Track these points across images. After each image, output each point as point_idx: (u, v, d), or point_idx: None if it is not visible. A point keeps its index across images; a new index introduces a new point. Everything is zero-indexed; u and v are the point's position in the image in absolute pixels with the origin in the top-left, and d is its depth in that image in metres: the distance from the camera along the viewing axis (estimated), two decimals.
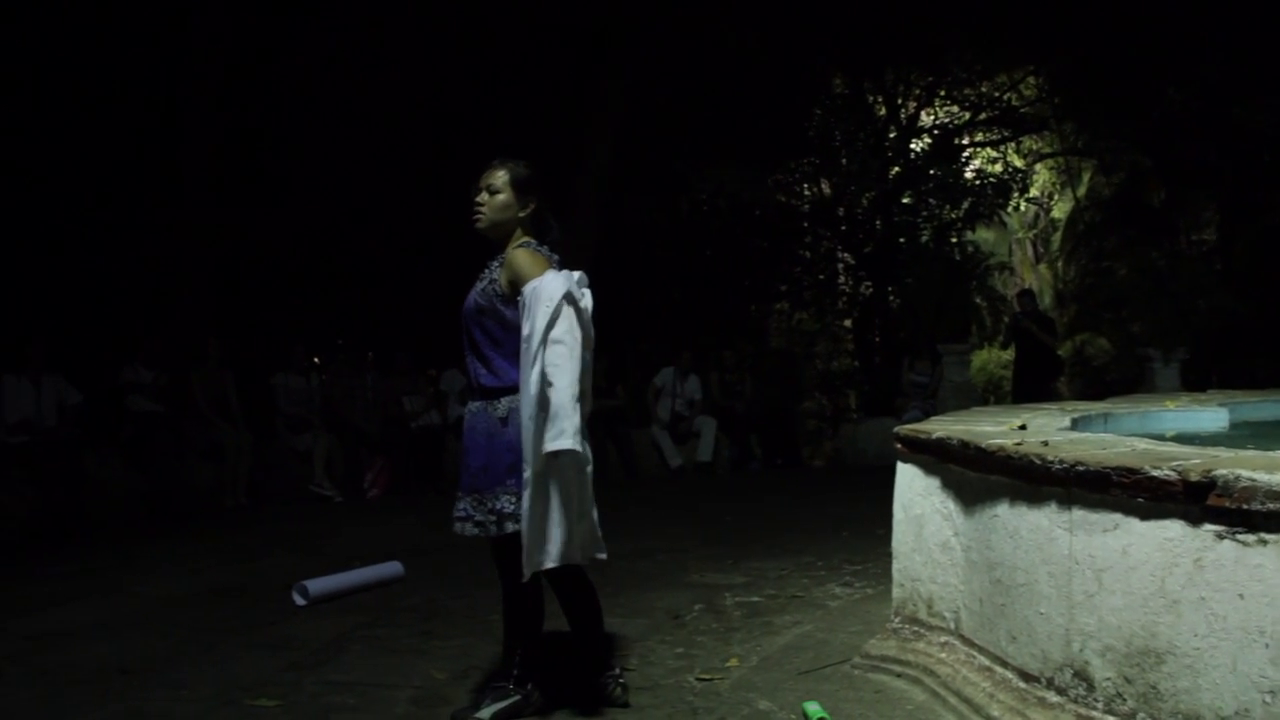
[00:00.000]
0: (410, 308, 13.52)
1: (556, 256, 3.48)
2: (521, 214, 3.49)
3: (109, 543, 7.52)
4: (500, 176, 3.48)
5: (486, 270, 3.50)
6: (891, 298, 16.17)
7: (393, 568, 5.83)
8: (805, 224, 16.85)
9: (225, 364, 9.77)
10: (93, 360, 9.68)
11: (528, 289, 3.23)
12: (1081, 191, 20.40)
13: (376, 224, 13.37)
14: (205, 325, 10.57)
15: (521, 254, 3.38)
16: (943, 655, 3.53)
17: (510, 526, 3.33)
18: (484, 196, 3.48)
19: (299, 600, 5.26)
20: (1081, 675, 2.81)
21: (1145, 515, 2.62)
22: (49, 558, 6.94)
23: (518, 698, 3.41)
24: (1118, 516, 2.69)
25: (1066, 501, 2.85)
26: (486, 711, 3.35)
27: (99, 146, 10.96)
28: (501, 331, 3.40)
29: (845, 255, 17.24)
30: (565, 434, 3.09)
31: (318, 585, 5.33)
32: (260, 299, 12.62)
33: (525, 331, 3.21)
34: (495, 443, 3.38)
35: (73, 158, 10.79)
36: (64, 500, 8.12)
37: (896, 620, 3.91)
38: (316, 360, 11.30)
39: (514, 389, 3.30)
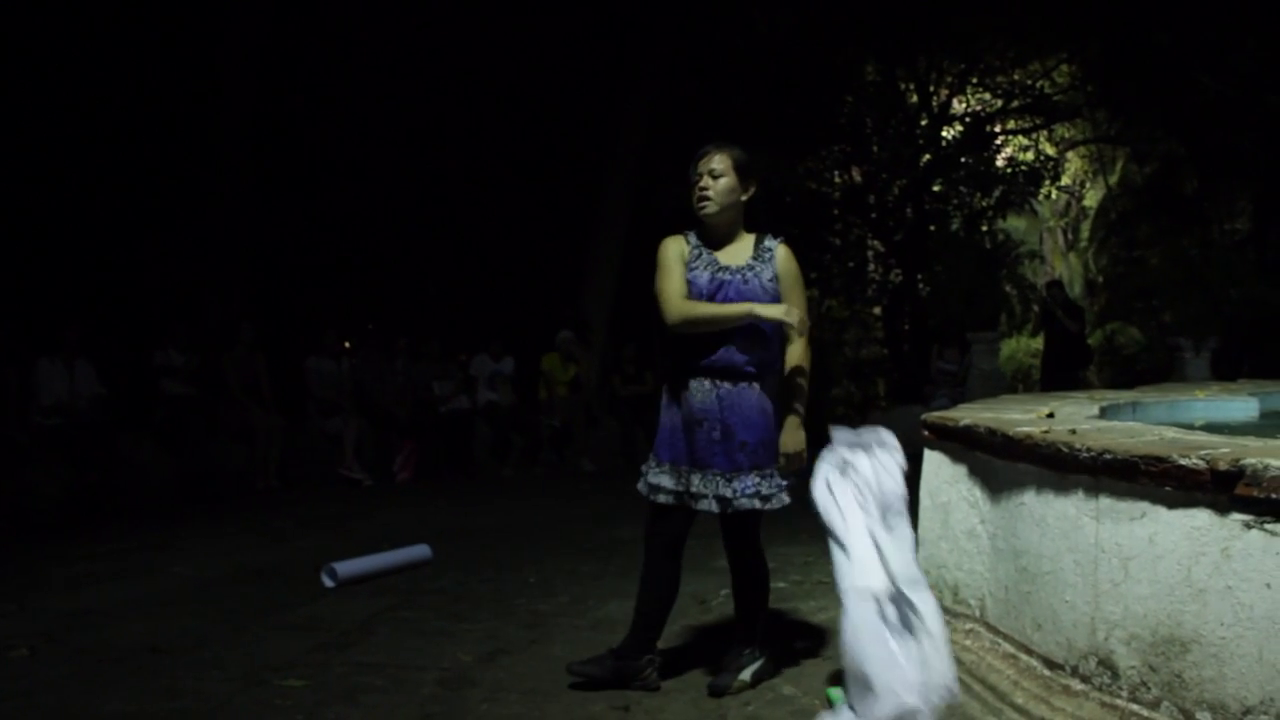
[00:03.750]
0: (441, 293, 13.61)
1: None
2: (744, 197, 3.54)
3: (142, 524, 7.61)
4: (722, 160, 3.50)
5: (757, 260, 3.52)
6: (921, 285, 16.10)
7: (421, 551, 5.88)
8: (835, 211, 16.79)
9: (257, 348, 9.85)
10: (127, 344, 9.79)
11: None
12: (1114, 180, 20.23)
13: (407, 210, 13.44)
14: (238, 310, 10.67)
15: (792, 259, 3.54)
16: (967, 642, 3.54)
17: (786, 499, 3.52)
18: (707, 181, 3.50)
19: (328, 582, 5.32)
20: (1106, 664, 2.81)
21: (1172, 504, 2.62)
22: (83, 538, 7.03)
23: (764, 659, 3.62)
24: (1145, 505, 2.69)
25: (1094, 490, 2.85)
26: (747, 674, 3.54)
27: (135, 135, 11.07)
28: (769, 323, 3.44)
29: (875, 243, 17.18)
30: None
31: (347, 567, 5.38)
32: (292, 284, 12.71)
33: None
34: (770, 420, 3.49)
35: (110, 147, 10.89)
36: (98, 482, 8.22)
37: None
38: (347, 344, 11.37)
39: (776, 370, 3.51)
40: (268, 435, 9.47)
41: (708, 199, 3.50)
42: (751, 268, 3.51)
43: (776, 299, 3.48)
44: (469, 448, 10.58)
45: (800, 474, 3.39)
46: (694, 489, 3.49)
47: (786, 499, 3.53)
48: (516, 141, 12.74)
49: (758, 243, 3.55)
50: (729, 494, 3.45)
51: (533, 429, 10.82)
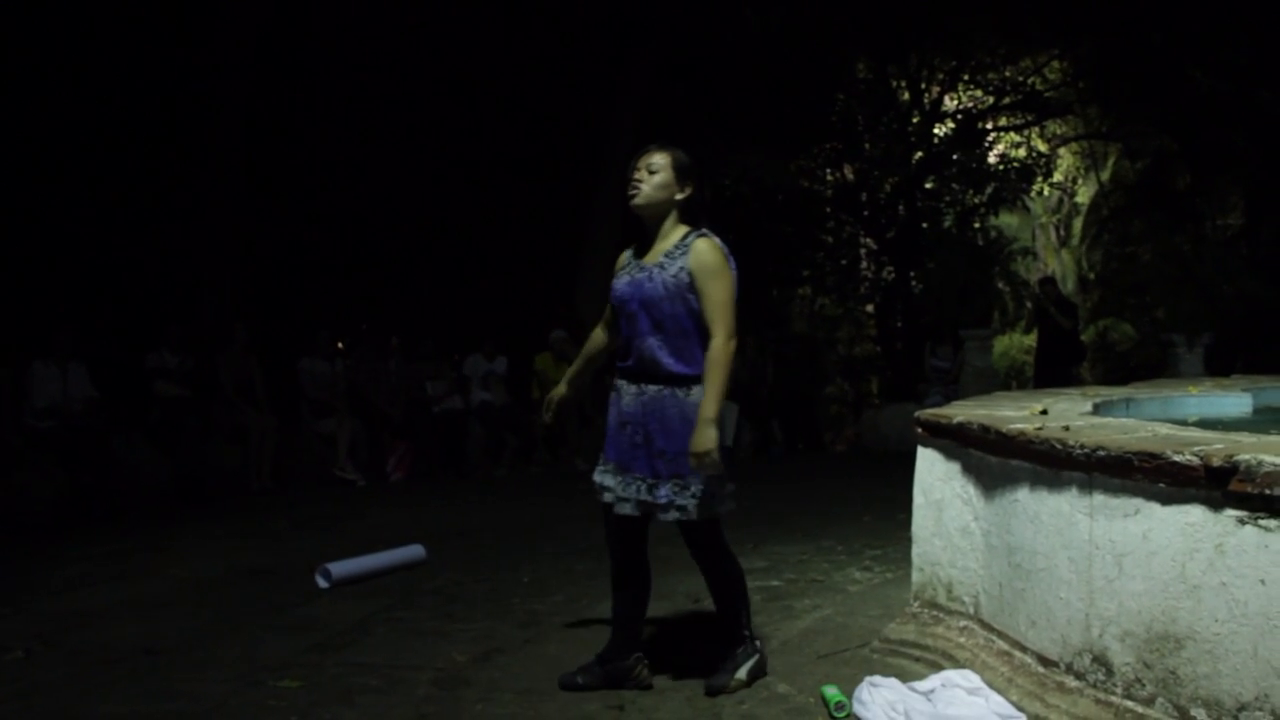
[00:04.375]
0: (433, 293, 13.59)
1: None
2: (678, 197, 3.53)
3: (137, 525, 7.59)
4: (661, 158, 3.54)
5: (666, 258, 3.47)
6: (914, 283, 16.13)
7: (415, 551, 5.87)
8: (828, 209, 16.82)
9: (251, 349, 9.83)
10: (120, 346, 9.76)
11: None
12: (1106, 176, 20.29)
13: (401, 210, 13.42)
14: (231, 311, 10.64)
15: (709, 248, 3.42)
16: (962, 640, 3.55)
17: (717, 508, 3.44)
18: (643, 174, 3.53)
19: (322, 583, 5.31)
20: (1101, 660, 2.82)
21: (1166, 500, 2.62)
22: (77, 540, 7.01)
23: (758, 655, 3.61)
24: (1139, 501, 2.70)
25: (1087, 486, 2.86)
26: (742, 672, 3.52)
27: (126, 136, 11.03)
28: (690, 319, 3.42)
29: (868, 240, 17.21)
30: None
31: (340, 568, 5.37)
32: (285, 285, 12.69)
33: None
34: (692, 427, 3.37)
35: (100, 147, 10.86)
36: (92, 484, 8.19)
37: (916, 605, 3.92)
38: (341, 345, 11.35)
39: (700, 377, 3.39)
40: (262, 436, 9.46)
41: (637, 189, 3.52)
42: (660, 265, 3.47)
43: (678, 293, 3.40)
44: (463, 448, 10.57)
45: (718, 476, 3.37)
46: (619, 492, 3.48)
47: (715, 509, 3.44)
48: (509, 141, 12.72)
49: (682, 239, 3.49)
50: (649, 499, 3.43)
51: (526, 429, 10.82)
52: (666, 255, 3.48)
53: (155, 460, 8.96)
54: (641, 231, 3.63)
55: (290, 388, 10.23)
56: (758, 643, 3.66)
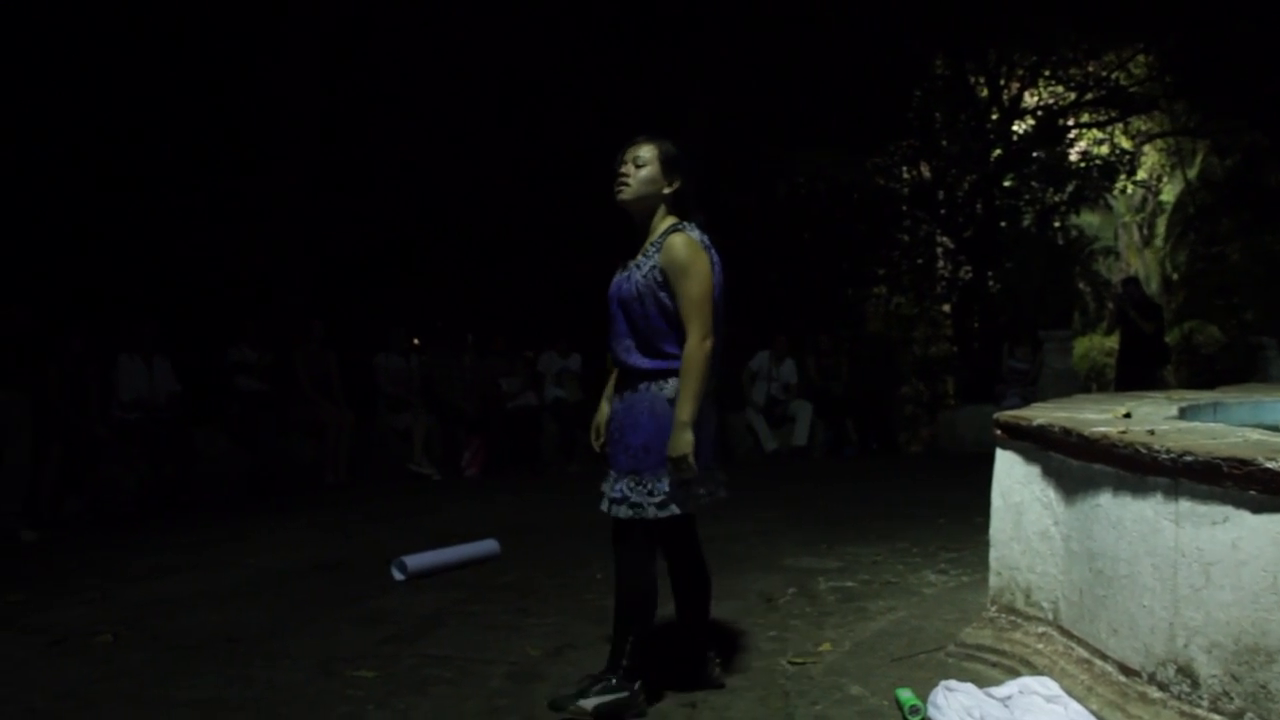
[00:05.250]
0: (508, 290, 13.68)
1: (707, 238, 3.41)
2: (666, 190, 3.42)
3: (216, 516, 7.78)
4: (648, 150, 3.43)
5: (643, 256, 3.38)
6: (992, 283, 15.87)
7: (489, 545, 5.92)
8: (904, 207, 16.60)
9: (328, 345, 9.99)
10: (202, 341, 9.99)
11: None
12: (1193, 173, 19.75)
13: (476, 208, 13.53)
14: (309, 307, 10.84)
15: (681, 243, 3.29)
16: (1040, 646, 3.48)
17: (672, 509, 3.29)
18: (629, 169, 3.43)
19: (397, 575, 5.38)
20: (1186, 671, 2.75)
21: (1258, 509, 2.55)
22: (161, 529, 7.21)
23: (625, 694, 3.31)
24: (1228, 509, 2.62)
25: (1173, 492, 2.78)
26: (590, 702, 3.26)
27: (207, 135, 11.26)
28: (663, 319, 3.31)
29: (944, 239, 16.95)
30: None
31: (416, 561, 5.44)
32: (362, 281, 12.87)
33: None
34: (663, 423, 3.27)
35: (183, 147, 11.09)
36: (174, 475, 8.40)
37: (993, 609, 3.86)
38: (416, 341, 11.49)
39: (677, 371, 3.27)
40: (338, 430, 9.61)
41: (624, 185, 3.41)
42: (638, 263, 3.37)
43: (650, 293, 3.31)
44: (536, 444, 10.64)
45: (686, 481, 3.25)
46: (604, 489, 3.41)
47: (668, 510, 3.29)
48: (582, 138, 12.76)
49: (664, 235, 3.36)
50: (608, 493, 3.37)
51: None
52: (643, 253, 3.39)
53: (234, 453, 9.16)
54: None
55: (366, 383, 10.39)
56: (632, 686, 3.32)
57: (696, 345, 3.23)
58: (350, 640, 4.25)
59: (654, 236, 3.40)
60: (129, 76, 10.66)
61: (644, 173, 3.41)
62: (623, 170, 3.44)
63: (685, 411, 3.20)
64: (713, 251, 3.38)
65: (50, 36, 10.14)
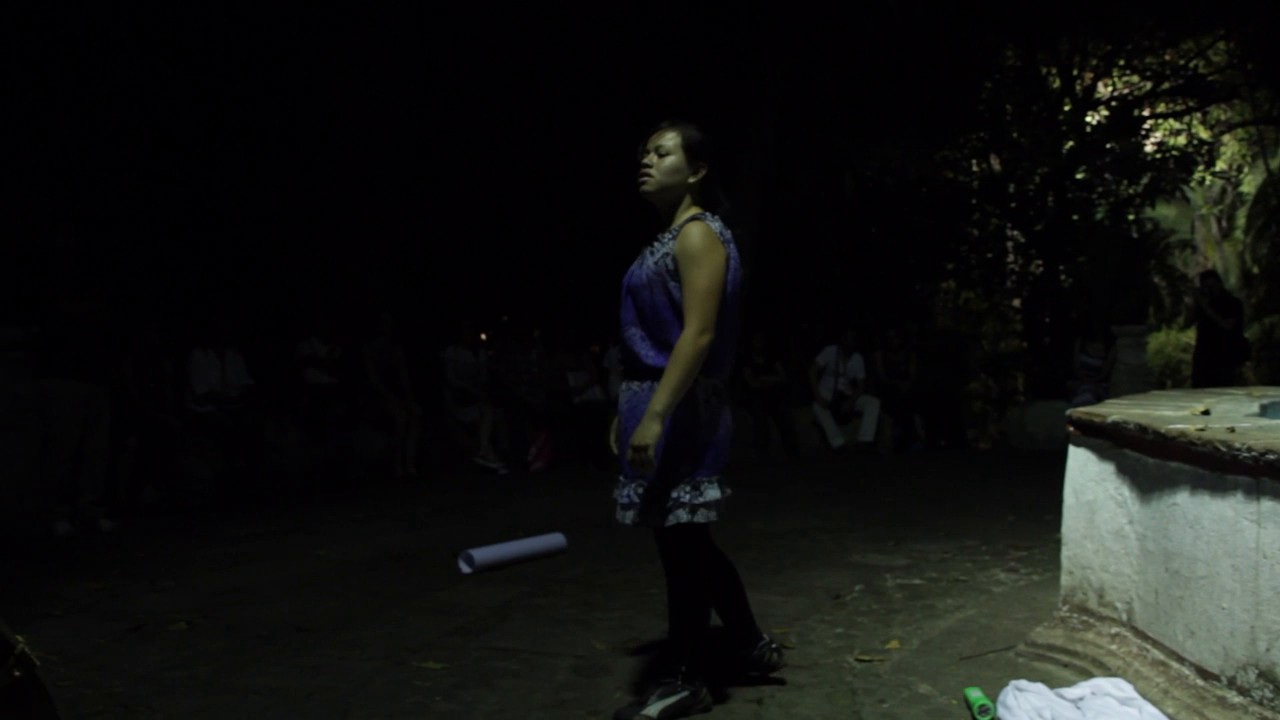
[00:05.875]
0: (575, 285, 13.73)
1: (729, 232, 3.24)
2: (691, 179, 3.26)
3: (287, 508, 7.91)
4: (671, 138, 3.26)
5: (658, 242, 3.25)
6: (1063, 277, 15.61)
7: (555, 539, 5.95)
8: (973, 200, 16.39)
9: (397, 339, 10.11)
10: (273, 336, 10.16)
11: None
12: (1275, 163, 19.24)
13: (544, 203, 13.59)
14: (378, 302, 10.97)
15: (698, 232, 3.13)
16: (1113, 647, 3.42)
17: (683, 516, 3.13)
18: (652, 158, 3.26)
19: (465, 568, 5.42)
20: (1268, 676, 2.68)
21: None
22: (233, 520, 7.35)
23: (686, 693, 3.23)
24: None
25: (1255, 492, 2.71)
26: (654, 708, 3.18)
27: (277, 133, 11.43)
28: (669, 309, 3.16)
29: (1015, 233, 16.71)
30: None
31: (483, 554, 5.48)
32: (430, 276, 13.00)
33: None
34: (669, 424, 3.11)
35: (253, 146, 11.28)
36: (246, 466, 8.57)
37: (1064, 609, 3.79)
38: (484, 336, 11.59)
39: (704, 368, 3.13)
40: (406, 424, 9.73)
41: (648, 176, 3.25)
42: (652, 249, 3.24)
43: (659, 281, 3.17)
44: (603, 438, 10.66)
45: (675, 482, 3.13)
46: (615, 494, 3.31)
47: (667, 519, 3.15)
48: (647, 131, 12.74)
49: (683, 224, 3.20)
50: (618, 499, 3.28)
51: None
52: (659, 240, 3.26)
53: (304, 445, 9.29)
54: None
55: (434, 377, 10.49)
56: (694, 685, 3.26)
57: (691, 338, 3.05)
58: (418, 631, 4.29)
59: (675, 225, 3.26)
60: (206, 76, 10.86)
61: (667, 162, 3.25)
62: (645, 161, 3.28)
63: (660, 401, 3.04)
64: (731, 246, 3.21)
65: (131, 37, 10.36)
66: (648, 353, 3.21)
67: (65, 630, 4.39)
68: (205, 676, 3.75)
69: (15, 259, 7.69)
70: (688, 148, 3.25)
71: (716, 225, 3.19)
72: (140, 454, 7.92)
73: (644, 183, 3.27)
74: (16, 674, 1.70)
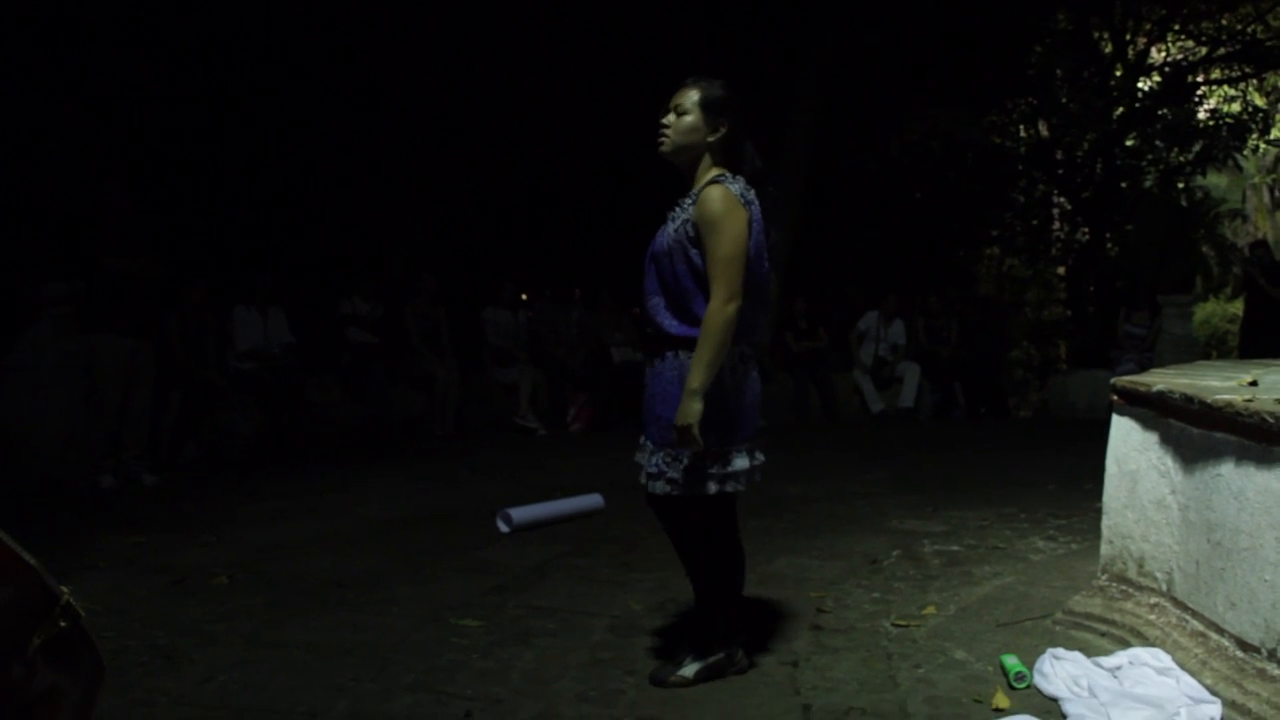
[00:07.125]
0: (615, 246, 13.70)
1: (752, 192, 3.12)
2: (711, 139, 3.14)
3: (328, 465, 8.00)
4: (690, 96, 3.14)
5: (679, 208, 3.16)
6: (1110, 245, 15.38)
7: (593, 500, 5.98)
8: (1020, 166, 16.15)
9: (437, 299, 10.16)
10: (315, 293, 10.23)
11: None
12: None
13: (584, 165, 13.55)
14: (419, 261, 11.01)
15: (717, 195, 3.01)
16: (1152, 617, 3.39)
17: (712, 487, 3.10)
18: (670, 118, 3.17)
19: (503, 527, 5.47)
20: None
21: None
22: (274, 476, 7.46)
23: (721, 655, 3.24)
24: None
25: None
26: (690, 669, 3.20)
27: (326, 98, 11.45)
28: (691, 277, 3.07)
29: (1061, 200, 16.47)
30: None
31: (521, 514, 5.52)
32: (472, 237, 13.02)
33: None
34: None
35: (302, 105, 11.31)
36: (287, 423, 8.66)
37: (1103, 578, 3.77)
38: (524, 296, 11.61)
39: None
40: (446, 383, 9.79)
41: (665, 137, 3.16)
42: (673, 215, 3.15)
43: (680, 248, 3.08)
44: (641, 400, 10.67)
45: (689, 454, 3.05)
46: (641, 462, 3.23)
47: (701, 489, 3.09)
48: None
49: (702, 187, 3.09)
50: (644, 466, 3.19)
51: None
52: (680, 205, 3.16)
53: (345, 403, 9.39)
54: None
55: (475, 337, 10.53)
56: (730, 648, 3.26)
57: (719, 307, 2.95)
58: (456, 590, 4.34)
59: (695, 189, 3.15)
60: (257, 36, 10.89)
61: (685, 121, 3.14)
62: (664, 120, 3.18)
63: (696, 379, 2.95)
64: (754, 207, 3.09)
65: (180, 6, 10.40)
66: (670, 322, 3.11)
67: (109, 582, 4.48)
68: (246, 630, 3.81)
69: (63, 214, 7.76)
70: (706, 105, 3.13)
71: (736, 187, 3.07)
72: (182, 409, 8.03)
73: (660, 144, 3.20)
74: (63, 624, 1.74)
